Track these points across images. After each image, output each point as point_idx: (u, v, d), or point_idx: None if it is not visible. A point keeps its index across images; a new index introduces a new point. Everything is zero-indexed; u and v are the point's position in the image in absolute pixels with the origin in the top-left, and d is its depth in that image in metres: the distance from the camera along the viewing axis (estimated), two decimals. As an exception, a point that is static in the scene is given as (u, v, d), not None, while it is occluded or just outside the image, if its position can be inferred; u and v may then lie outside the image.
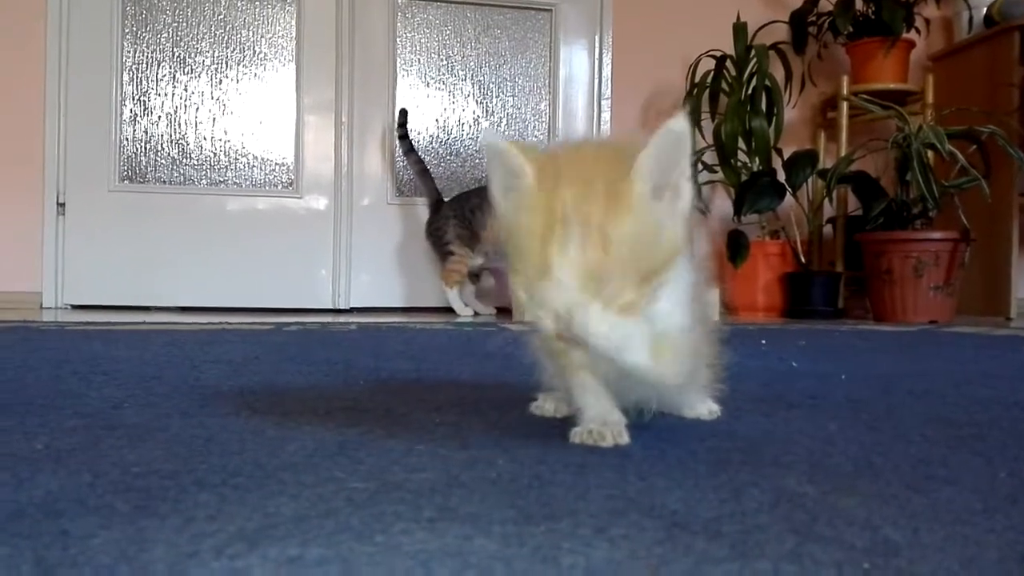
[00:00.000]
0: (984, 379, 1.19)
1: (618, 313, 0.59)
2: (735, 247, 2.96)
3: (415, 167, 3.01)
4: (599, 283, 0.57)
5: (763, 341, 1.79)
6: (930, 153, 2.70)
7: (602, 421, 0.67)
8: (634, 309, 0.59)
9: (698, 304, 0.67)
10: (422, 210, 3.16)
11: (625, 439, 0.66)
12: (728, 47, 3.12)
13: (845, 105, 3.19)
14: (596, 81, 3.35)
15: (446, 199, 2.96)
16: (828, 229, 3.26)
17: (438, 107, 3.24)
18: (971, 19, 3.24)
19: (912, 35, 3.20)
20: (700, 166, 3.10)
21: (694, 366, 0.69)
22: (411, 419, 0.79)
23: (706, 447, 0.64)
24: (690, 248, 0.64)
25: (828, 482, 0.55)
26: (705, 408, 0.80)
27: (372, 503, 0.50)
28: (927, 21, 3.28)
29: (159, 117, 3.05)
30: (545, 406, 0.81)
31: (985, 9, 3.18)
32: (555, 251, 0.58)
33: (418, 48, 3.23)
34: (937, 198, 2.67)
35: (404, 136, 3.00)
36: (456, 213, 2.87)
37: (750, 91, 3.04)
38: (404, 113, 3.01)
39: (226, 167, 3.10)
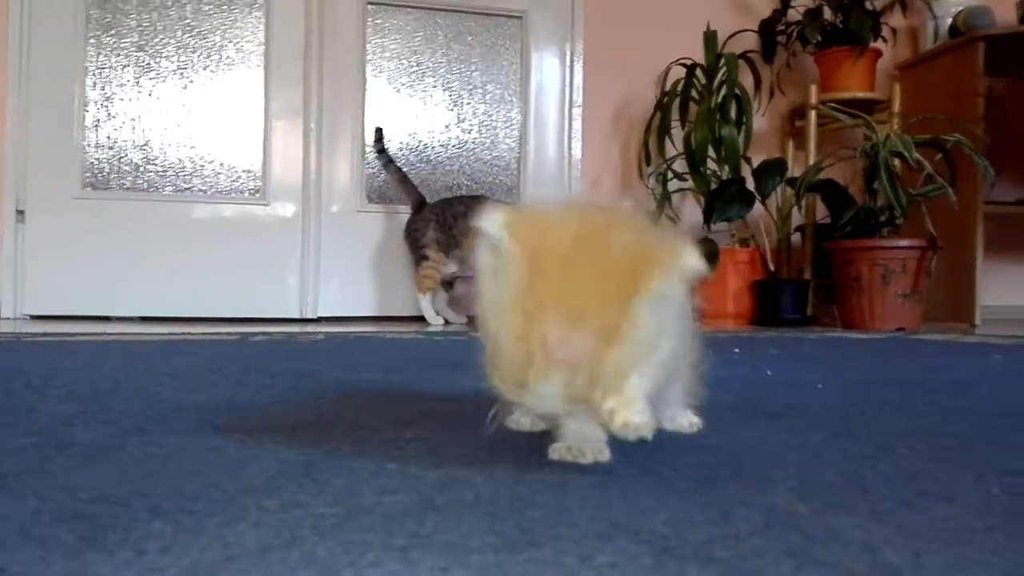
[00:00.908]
0: (959, 387, 1.19)
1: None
2: (705, 255, 2.96)
3: (395, 176, 2.98)
4: (586, 376, 0.55)
5: (736, 349, 1.78)
6: (897, 161, 2.72)
7: (582, 437, 0.64)
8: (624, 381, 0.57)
9: (681, 319, 0.64)
10: (392, 217, 3.12)
11: (606, 455, 0.64)
12: (698, 56, 3.13)
13: (813, 114, 3.21)
14: (567, 88, 3.34)
15: (430, 202, 2.93)
16: (797, 237, 3.28)
17: (408, 113, 3.21)
18: (937, 29, 3.28)
19: (879, 44, 3.23)
20: (670, 174, 3.11)
21: (674, 377, 0.67)
22: (381, 435, 0.76)
23: (689, 463, 0.62)
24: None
25: (819, 499, 0.53)
26: (686, 420, 0.78)
27: (340, 530, 0.46)
28: (894, 31, 3.32)
29: (123, 123, 2.98)
30: (522, 420, 0.78)
31: (950, 20, 3.23)
32: (534, 378, 0.56)
33: (388, 54, 3.20)
34: (904, 206, 2.69)
35: (382, 151, 2.97)
36: (437, 216, 2.84)
37: (720, 99, 3.05)
38: (380, 131, 2.98)
39: (191, 174, 3.03)
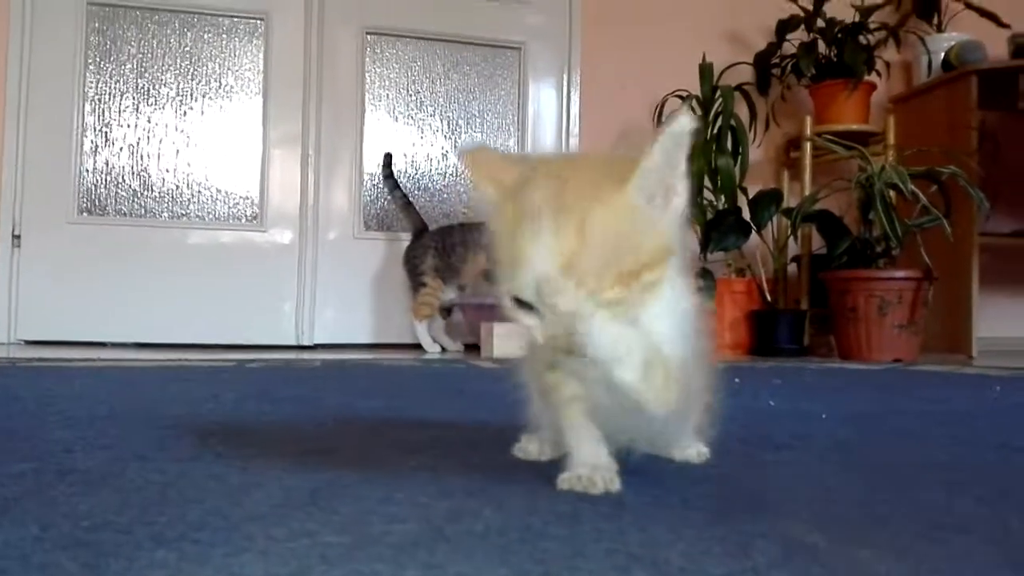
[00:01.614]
0: (962, 418, 1.18)
1: (608, 309, 0.56)
2: (702, 285, 2.96)
3: (399, 201, 2.98)
4: (576, 273, 0.55)
5: (736, 379, 1.77)
6: (892, 193, 2.74)
7: (592, 466, 0.63)
8: (623, 307, 0.56)
9: (697, 337, 0.64)
10: (390, 244, 3.12)
11: (617, 486, 0.63)
12: (694, 87, 3.16)
13: (808, 145, 3.23)
14: (564, 118, 3.36)
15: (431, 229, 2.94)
16: (793, 267, 3.28)
17: (407, 142, 3.22)
18: (930, 63, 3.32)
19: (873, 78, 3.27)
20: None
21: (687, 402, 0.66)
22: (386, 463, 0.75)
23: (701, 493, 0.61)
24: (686, 268, 0.62)
25: (836, 531, 0.52)
26: (694, 451, 0.77)
27: (349, 560, 0.45)
28: (887, 64, 3.36)
29: (121, 148, 2.98)
30: (529, 448, 0.77)
31: (943, 54, 3.27)
32: (527, 240, 0.55)
33: (387, 83, 3.21)
34: (900, 237, 2.70)
35: (389, 176, 2.98)
36: (436, 244, 2.84)
37: (716, 131, 3.07)
38: (389, 157, 2.99)
39: (189, 200, 3.03)
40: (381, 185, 3.05)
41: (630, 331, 0.57)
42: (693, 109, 3.14)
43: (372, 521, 0.54)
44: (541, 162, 0.62)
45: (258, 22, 3.09)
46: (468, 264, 2.82)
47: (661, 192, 0.58)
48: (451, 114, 3.27)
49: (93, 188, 2.96)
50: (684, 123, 0.56)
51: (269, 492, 0.62)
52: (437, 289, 2.83)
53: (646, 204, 0.57)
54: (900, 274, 2.77)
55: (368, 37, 3.18)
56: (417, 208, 2.98)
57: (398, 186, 2.99)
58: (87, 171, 2.95)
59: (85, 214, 2.94)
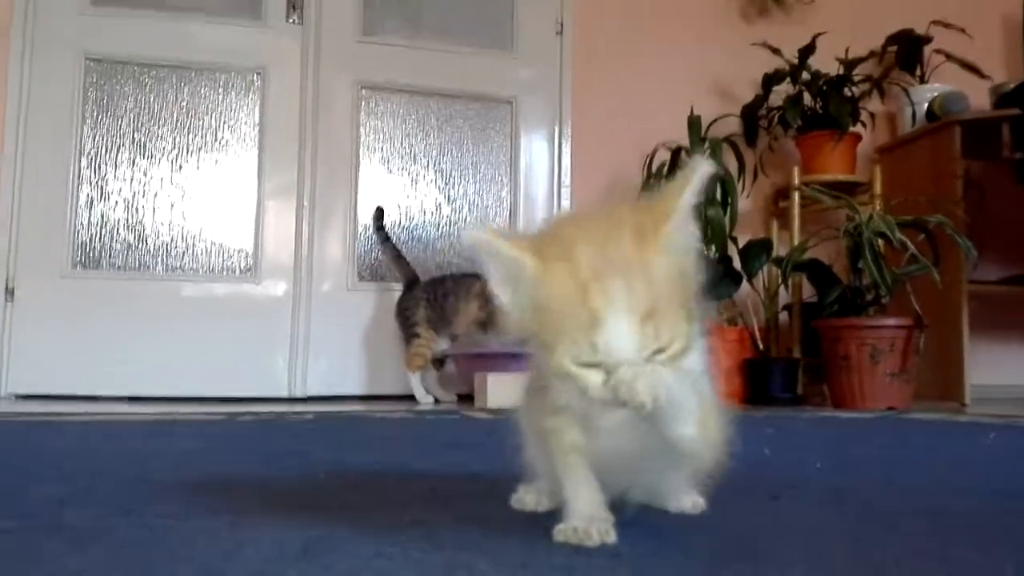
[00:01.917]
0: (956, 466, 1.18)
1: (671, 365, 0.56)
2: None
3: (390, 254, 3.01)
4: (654, 322, 0.55)
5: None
6: (880, 241, 2.77)
7: (588, 518, 0.63)
8: (684, 355, 0.56)
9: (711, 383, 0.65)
10: (383, 295, 3.13)
11: (613, 538, 0.62)
12: (683, 139, 3.20)
13: (796, 195, 3.28)
14: (556, 169, 3.41)
15: (423, 280, 2.95)
16: (784, 316, 3.30)
17: (400, 193, 3.25)
18: (914, 114, 3.38)
19: (858, 128, 3.33)
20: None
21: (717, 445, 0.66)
22: (378, 516, 0.74)
23: (698, 544, 0.61)
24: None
25: (831, 582, 0.52)
26: (690, 501, 0.76)
27: (344, 615, 0.45)
28: (872, 115, 3.42)
29: (116, 202, 3.00)
30: (526, 499, 0.76)
31: (926, 105, 3.33)
32: (600, 300, 0.55)
33: (381, 136, 3.26)
34: (890, 285, 2.72)
35: (381, 228, 3.00)
36: (428, 295, 2.86)
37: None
38: (381, 211, 3.02)
39: (183, 253, 3.04)
40: (373, 237, 3.07)
41: (686, 381, 0.58)
42: (682, 161, 3.19)
43: (365, 576, 0.53)
44: (563, 222, 0.63)
45: (255, 76, 3.14)
46: (460, 314, 2.83)
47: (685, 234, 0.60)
48: (444, 166, 3.31)
49: (88, 241, 2.97)
50: (707, 168, 0.59)
51: (260, 548, 0.61)
52: (430, 340, 2.83)
53: (677, 247, 0.58)
54: (891, 322, 2.78)
55: (363, 91, 3.23)
56: (408, 260, 3.00)
57: (389, 239, 3.01)
58: (82, 224, 2.97)
59: (79, 267, 2.95)
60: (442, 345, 2.86)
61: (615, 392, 0.56)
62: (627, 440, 0.63)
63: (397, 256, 2.99)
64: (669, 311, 0.56)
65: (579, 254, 0.57)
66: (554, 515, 0.66)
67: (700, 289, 0.60)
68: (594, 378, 0.57)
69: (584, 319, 0.56)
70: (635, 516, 0.68)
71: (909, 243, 2.71)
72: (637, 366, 0.55)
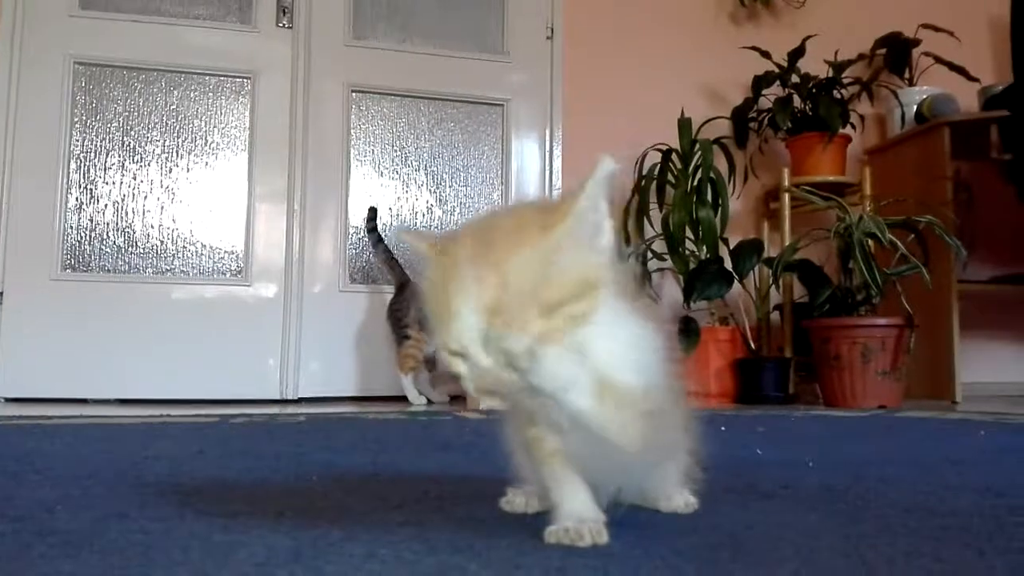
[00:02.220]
0: (949, 464, 1.18)
1: (540, 342, 0.58)
2: (686, 333, 2.98)
3: (382, 255, 3.00)
4: (501, 315, 0.57)
5: (722, 427, 1.77)
6: (871, 242, 2.78)
7: (579, 518, 0.63)
8: (553, 338, 0.58)
9: (668, 378, 0.65)
10: (375, 297, 3.13)
11: (604, 538, 0.62)
12: (673, 141, 3.22)
13: (787, 196, 3.29)
14: (547, 172, 3.41)
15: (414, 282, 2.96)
16: (776, 315, 3.31)
17: (392, 196, 3.25)
18: (903, 116, 3.40)
19: (848, 130, 3.34)
20: (650, 254, 3.15)
21: (665, 443, 0.66)
22: (371, 519, 0.74)
23: (690, 544, 0.61)
24: (636, 300, 0.64)
25: (823, 581, 0.52)
26: (682, 500, 0.76)
27: (337, 617, 0.45)
28: (862, 117, 3.44)
29: (105, 205, 2.99)
30: (516, 501, 0.77)
31: (916, 107, 3.35)
32: (452, 294, 0.58)
33: (372, 139, 3.26)
34: (881, 285, 2.73)
35: (373, 230, 3.00)
36: (420, 296, 2.85)
37: (695, 183, 3.12)
38: (374, 211, 3.02)
39: (173, 255, 3.03)
40: (365, 238, 3.07)
41: (571, 356, 0.59)
42: (672, 163, 3.20)
43: (358, 578, 0.53)
44: (476, 219, 0.66)
45: (244, 80, 3.13)
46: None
47: (589, 232, 0.61)
48: (436, 169, 3.31)
49: (77, 245, 2.96)
50: (607, 167, 0.61)
51: (253, 551, 0.61)
52: (421, 341, 2.83)
53: (573, 245, 0.59)
54: (882, 321, 2.79)
55: (353, 95, 3.23)
56: (401, 262, 3.00)
57: (382, 240, 3.00)
58: (71, 228, 2.95)
59: (69, 270, 2.93)
60: (433, 346, 2.87)
61: (475, 382, 0.59)
62: (584, 439, 0.63)
63: (389, 258, 2.98)
64: (519, 301, 0.58)
65: (457, 247, 0.60)
66: (545, 517, 0.66)
67: (627, 281, 0.63)
68: (461, 367, 0.60)
69: (443, 309, 0.60)
70: (627, 516, 0.68)
71: (899, 243, 2.73)
72: (486, 361, 0.58)
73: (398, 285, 2.94)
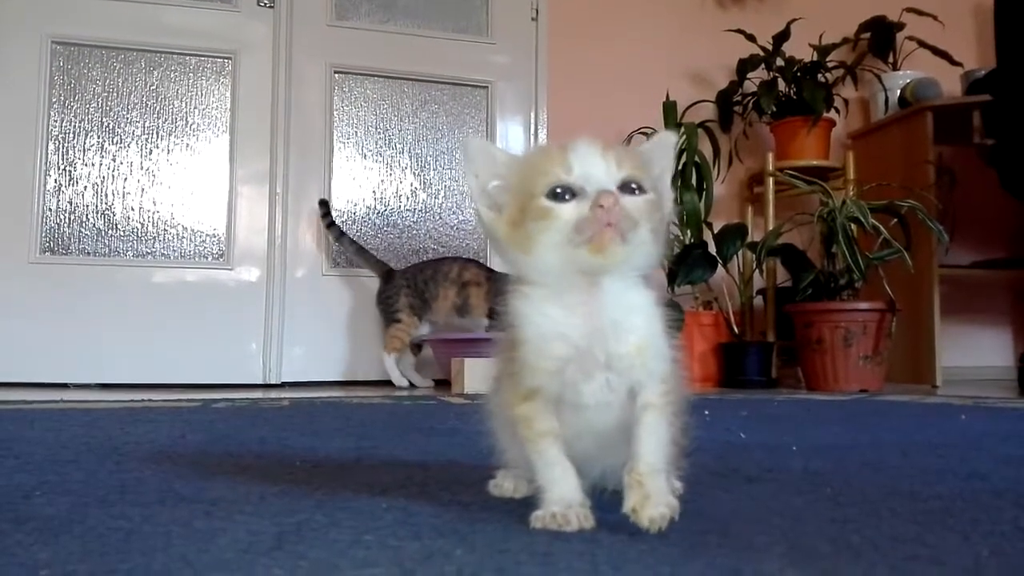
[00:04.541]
0: (931, 448, 1.19)
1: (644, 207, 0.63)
2: (671, 317, 2.98)
3: (350, 248, 3.01)
4: (616, 154, 0.63)
5: (706, 412, 1.78)
6: (854, 226, 2.79)
7: (566, 503, 0.63)
8: (639, 232, 0.62)
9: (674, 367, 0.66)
10: (358, 281, 3.11)
11: (591, 522, 0.62)
12: (658, 124, 3.21)
13: (771, 180, 3.29)
14: (532, 155, 3.39)
15: (397, 269, 2.96)
16: (759, 300, 3.32)
17: (375, 179, 3.23)
18: (887, 100, 3.41)
19: (832, 115, 3.35)
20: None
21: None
22: (355, 504, 0.73)
23: (676, 528, 0.60)
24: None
25: (810, 565, 0.52)
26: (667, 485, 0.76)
27: (321, 605, 0.44)
28: (846, 101, 3.45)
29: (85, 187, 2.95)
30: (504, 485, 0.76)
31: (899, 91, 3.36)
32: (570, 142, 0.64)
33: (355, 121, 3.23)
34: (863, 270, 2.75)
35: (331, 224, 3.00)
36: (409, 282, 2.87)
37: (680, 167, 3.11)
38: (324, 203, 3.02)
39: (154, 238, 3.00)
40: (326, 234, 3.04)
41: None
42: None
43: (341, 566, 0.52)
44: None
45: (225, 61, 3.09)
46: (439, 299, 2.84)
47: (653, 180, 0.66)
48: (420, 151, 3.28)
49: (56, 227, 2.92)
50: (670, 136, 0.70)
51: (235, 537, 0.60)
52: (411, 325, 2.84)
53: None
54: (864, 306, 2.81)
55: (336, 76, 3.20)
56: (372, 251, 3.00)
57: (343, 233, 3.00)
58: (50, 210, 2.91)
59: (48, 253, 2.90)
60: (423, 330, 2.87)
61: (595, 203, 0.60)
62: (602, 415, 0.64)
63: (359, 249, 2.99)
64: (635, 158, 0.65)
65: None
66: (531, 501, 0.66)
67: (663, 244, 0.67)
68: (569, 210, 0.62)
69: (557, 153, 0.64)
70: (613, 501, 0.68)
71: (882, 228, 2.74)
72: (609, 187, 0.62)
73: (383, 274, 2.94)
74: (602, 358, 0.63)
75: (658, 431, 0.63)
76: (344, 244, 3.02)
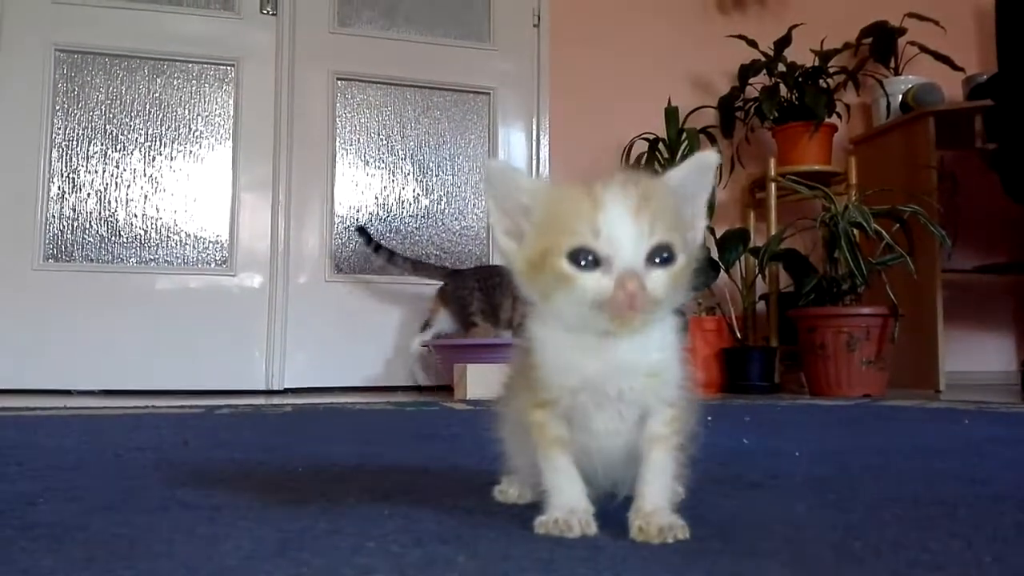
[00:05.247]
0: (934, 454, 1.19)
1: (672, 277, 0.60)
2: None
3: (406, 265, 3.00)
4: (650, 214, 0.58)
5: (709, 418, 1.77)
6: (856, 231, 2.79)
7: (569, 509, 0.63)
8: (683, 275, 0.60)
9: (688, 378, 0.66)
10: (360, 287, 3.12)
11: (593, 529, 0.62)
12: (660, 130, 3.21)
13: (773, 186, 3.29)
14: (534, 161, 3.40)
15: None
16: (762, 305, 3.32)
17: (378, 185, 3.23)
18: (889, 105, 3.42)
19: (834, 120, 3.35)
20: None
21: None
22: (357, 510, 0.74)
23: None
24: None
25: (812, 573, 0.52)
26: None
27: (323, 612, 0.44)
28: (847, 107, 3.45)
29: (88, 194, 2.96)
30: (509, 491, 0.76)
31: (901, 96, 3.36)
32: (598, 191, 0.59)
33: (357, 128, 3.23)
34: (866, 274, 2.75)
35: (378, 248, 2.98)
36: (480, 285, 2.85)
37: (683, 173, 3.11)
38: (363, 231, 3.01)
39: (157, 245, 3.01)
40: (375, 256, 3.02)
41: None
42: (659, 152, 3.20)
43: (343, 572, 0.52)
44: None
45: (228, 68, 3.10)
46: (503, 308, 2.81)
47: (686, 209, 0.63)
48: (422, 158, 3.29)
49: (60, 234, 2.93)
50: (711, 156, 0.64)
51: (238, 544, 0.60)
52: (487, 331, 2.84)
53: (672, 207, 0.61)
54: (867, 311, 2.81)
55: (338, 83, 3.21)
56: (428, 261, 3.04)
57: (394, 252, 2.99)
58: (54, 217, 2.92)
59: (51, 260, 2.90)
60: (492, 334, 2.86)
61: (620, 284, 0.57)
62: (611, 440, 0.64)
63: (415, 264, 2.99)
64: (663, 218, 0.59)
65: (589, 179, 0.61)
66: (536, 507, 0.66)
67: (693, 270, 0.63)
68: (591, 282, 0.58)
69: (587, 207, 0.59)
70: (616, 507, 0.68)
71: (884, 233, 2.74)
72: (636, 264, 0.58)
73: (445, 274, 2.93)
74: (614, 393, 0.62)
75: (665, 470, 0.63)
76: (398, 264, 3.00)
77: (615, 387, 0.62)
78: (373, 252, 2.99)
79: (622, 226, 0.58)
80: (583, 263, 0.58)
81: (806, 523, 0.69)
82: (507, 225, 0.63)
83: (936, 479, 0.93)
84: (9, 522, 0.68)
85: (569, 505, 0.63)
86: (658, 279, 0.59)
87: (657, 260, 0.59)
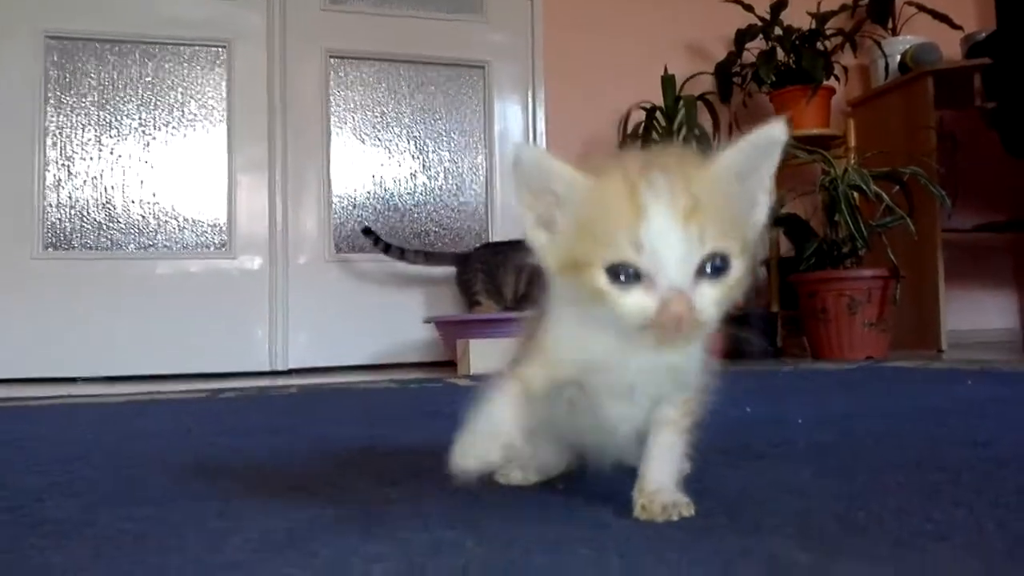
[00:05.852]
0: (936, 416, 1.20)
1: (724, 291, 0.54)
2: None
3: (418, 258, 2.99)
4: (699, 222, 0.51)
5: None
6: (856, 194, 2.78)
7: (490, 434, 0.61)
8: (739, 286, 0.54)
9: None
10: (361, 265, 3.12)
11: (497, 457, 0.61)
12: (657, 99, 3.19)
13: (773, 150, 3.27)
14: (531, 134, 3.38)
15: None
16: (762, 271, 3.32)
17: (374, 163, 3.22)
18: (887, 66, 3.38)
19: (832, 82, 3.32)
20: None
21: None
22: (364, 495, 0.74)
23: (683, 511, 0.61)
24: None
25: (817, 545, 0.53)
26: (676, 466, 0.76)
27: (333, 602, 0.45)
28: (845, 69, 3.41)
29: (84, 181, 2.94)
30: (512, 474, 0.77)
31: (899, 57, 3.33)
32: (644, 195, 0.51)
33: (352, 105, 3.21)
34: (866, 237, 2.74)
35: (388, 247, 2.96)
36: (484, 266, 2.85)
37: (680, 140, 3.10)
38: (368, 231, 2.98)
39: (155, 230, 3.00)
40: (387, 256, 2.99)
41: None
42: (657, 120, 3.18)
43: (352, 562, 0.53)
44: (619, 154, 0.59)
45: (220, 50, 3.07)
46: (507, 285, 2.82)
47: (745, 192, 0.57)
48: (418, 134, 3.27)
49: (57, 223, 2.92)
50: (777, 131, 0.56)
51: (247, 536, 0.61)
52: (490, 308, 2.84)
53: (728, 191, 0.55)
54: (868, 273, 2.80)
55: (331, 60, 3.18)
56: (439, 250, 3.05)
57: (405, 249, 2.98)
58: (51, 206, 2.91)
59: (50, 249, 2.90)
60: (496, 311, 2.87)
61: (664, 306, 0.51)
62: (622, 424, 0.63)
63: (427, 255, 2.99)
64: (717, 220, 0.52)
65: (628, 161, 0.55)
66: (543, 489, 0.66)
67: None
68: (631, 301, 0.52)
69: (629, 213, 0.52)
70: (621, 483, 0.68)
71: (884, 195, 2.73)
72: (683, 282, 0.52)
73: (457, 260, 2.93)
74: (630, 382, 0.61)
75: (672, 451, 0.62)
76: (410, 259, 2.99)
77: (631, 379, 0.60)
78: (383, 252, 2.97)
79: (669, 238, 0.51)
80: (623, 278, 0.52)
81: (810, 493, 0.69)
82: (538, 214, 0.58)
83: (939, 443, 0.94)
84: (18, 519, 0.68)
85: (489, 431, 0.60)
86: (708, 296, 0.53)
87: (709, 270, 0.53)
